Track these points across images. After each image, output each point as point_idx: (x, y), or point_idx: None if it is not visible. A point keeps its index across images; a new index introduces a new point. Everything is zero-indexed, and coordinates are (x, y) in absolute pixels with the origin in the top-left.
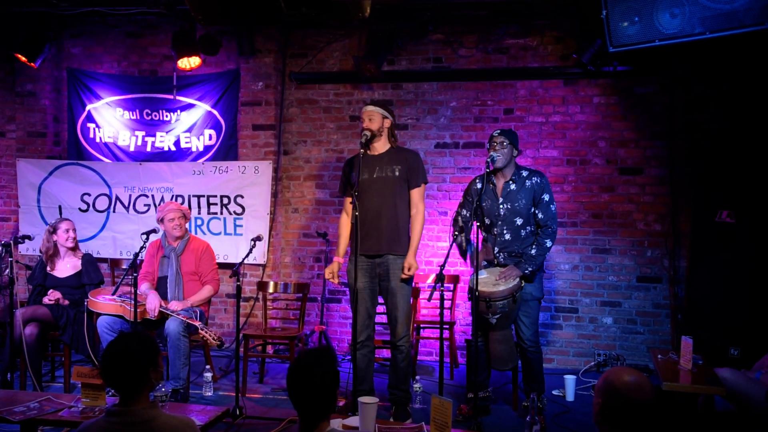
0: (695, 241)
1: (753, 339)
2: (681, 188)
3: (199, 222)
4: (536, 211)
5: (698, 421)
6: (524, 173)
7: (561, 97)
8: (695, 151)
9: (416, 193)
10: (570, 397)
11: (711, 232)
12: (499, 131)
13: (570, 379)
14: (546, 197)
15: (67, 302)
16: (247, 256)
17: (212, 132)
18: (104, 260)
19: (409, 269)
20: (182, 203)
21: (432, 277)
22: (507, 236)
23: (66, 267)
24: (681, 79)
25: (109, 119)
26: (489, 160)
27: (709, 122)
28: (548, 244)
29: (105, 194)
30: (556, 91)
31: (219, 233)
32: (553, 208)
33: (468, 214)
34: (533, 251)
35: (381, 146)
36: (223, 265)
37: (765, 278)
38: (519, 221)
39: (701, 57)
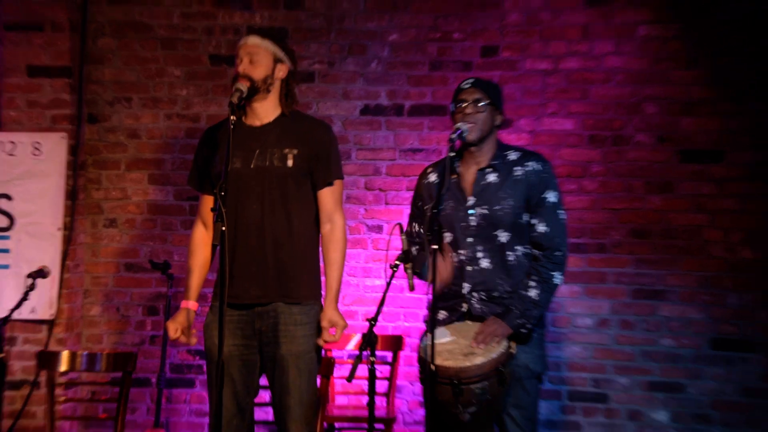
0: None
1: None
2: None
3: None
4: (533, 221)
5: None
6: (512, 155)
7: (581, 27)
8: None
9: (328, 196)
10: None
11: None
12: (471, 81)
13: None
14: (551, 197)
15: None
16: (17, 306)
17: None
18: None
19: (332, 330)
20: None
21: (356, 339)
22: (484, 263)
23: None
24: None
25: None
26: (454, 135)
27: None
28: (557, 279)
29: None
30: (572, 15)
31: None
32: (562, 217)
33: (423, 231)
34: (532, 292)
35: (266, 111)
36: None
37: None
38: (503, 237)
39: None
